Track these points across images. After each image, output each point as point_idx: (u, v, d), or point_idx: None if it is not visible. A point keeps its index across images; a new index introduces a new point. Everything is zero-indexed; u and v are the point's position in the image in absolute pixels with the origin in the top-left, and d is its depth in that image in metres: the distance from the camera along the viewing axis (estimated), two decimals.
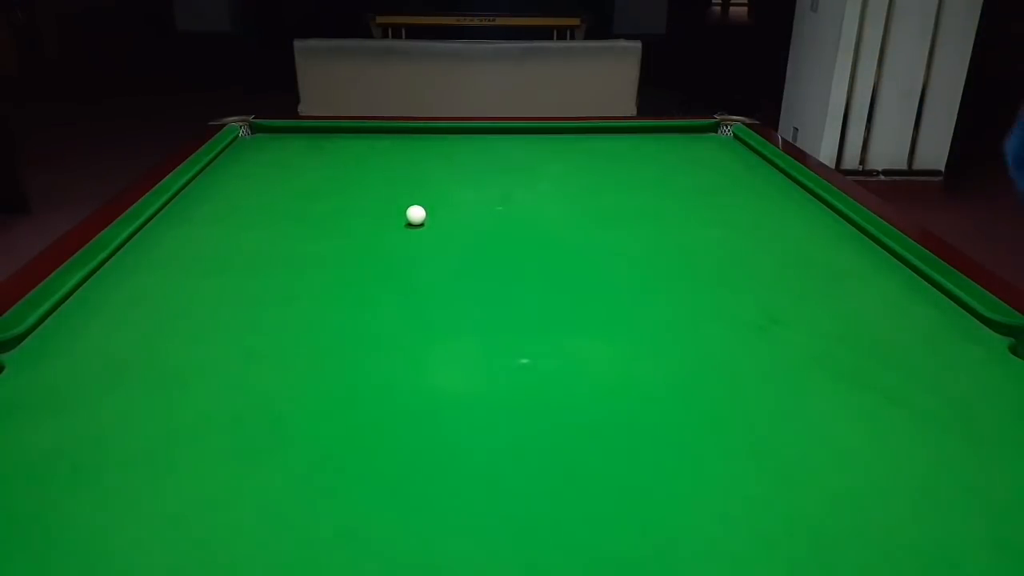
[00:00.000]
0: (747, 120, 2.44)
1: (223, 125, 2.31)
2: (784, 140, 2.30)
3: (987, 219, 4.14)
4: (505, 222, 1.73)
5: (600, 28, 7.23)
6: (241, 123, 2.34)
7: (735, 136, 2.38)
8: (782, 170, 2.04)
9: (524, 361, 1.18)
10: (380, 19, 5.90)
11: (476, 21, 6.13)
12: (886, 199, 1.78)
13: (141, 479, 0.91)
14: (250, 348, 1.21)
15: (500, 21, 6.10)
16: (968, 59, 4.19)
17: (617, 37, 4.30)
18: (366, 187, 1.95)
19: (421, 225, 1.67)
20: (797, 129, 4.59)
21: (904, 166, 4.43)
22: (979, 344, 1.21)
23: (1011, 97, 5.26)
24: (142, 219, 1.65)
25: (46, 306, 1.26)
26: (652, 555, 0.80)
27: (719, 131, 2.42)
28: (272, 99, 4.16)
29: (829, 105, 4.27)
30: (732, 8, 13.57)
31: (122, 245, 1.54)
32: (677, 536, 0.83)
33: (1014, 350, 1.18)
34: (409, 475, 0.92)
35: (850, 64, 4.18)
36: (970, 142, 4.67)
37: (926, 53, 4.18)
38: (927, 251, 1.47)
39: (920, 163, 4.43)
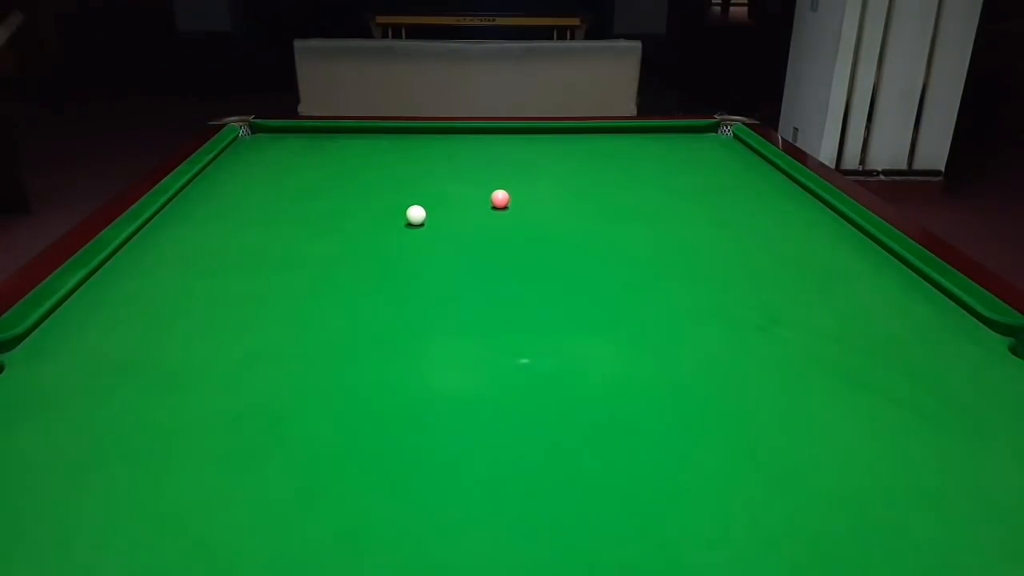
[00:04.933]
0: (747, 120, 2.44)
1: (223, 125, 2.31)
2: (784, 140, 2.30)
3: (987, 219, 4.14)
4: (505, 222, 1.73)
5: (600, 28, 7.24)
6: (241, 123, 2.34)
7: (735, 136, 2.38)
8: (782, 170, 2.04)
9: (524, 361, 1.18)
10: (380, 19, 5.91)
11: (476, 21, 6.13)
12: (886, 199, 1.78)
13: (141, 479, 0.91)
14: (250, 348, 1.21)
15: (500, 21, 6.11)
16: (968, 59, 4.19)
17: (617, 37, 4.30)
18: (366, 187, 1.95)
19: (421, 225, 1.67)
20: (797, 129, 4.59)
21: (904, 166, 4.43)
22: (979, 344, 1.21)
23: (1011, 97, 5.27)
24: (142, 219, 1.65)
25: (46, 306, 1.26)
26: (652, 556, 0.80)
27: (719, 131, 2.42)
28: (272, 99, 4.17)
29: (829, 105, 4.26)
30: (732, 8, 13.56)
31: (122, 245, 1.54)
32: (677, 537, 0.83)
33: (1014, 350, 1.18)
34: (409, 476, 0.92)
35: (850, 64, 4.18)
36: (970, 142, 4.67)
37: (926, 53, 4.18)
38: (927, 251, 1.47)
39: (920, 163, 4.43)
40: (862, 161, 4.42)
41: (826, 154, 4.31)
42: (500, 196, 1.77)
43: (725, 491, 0.90)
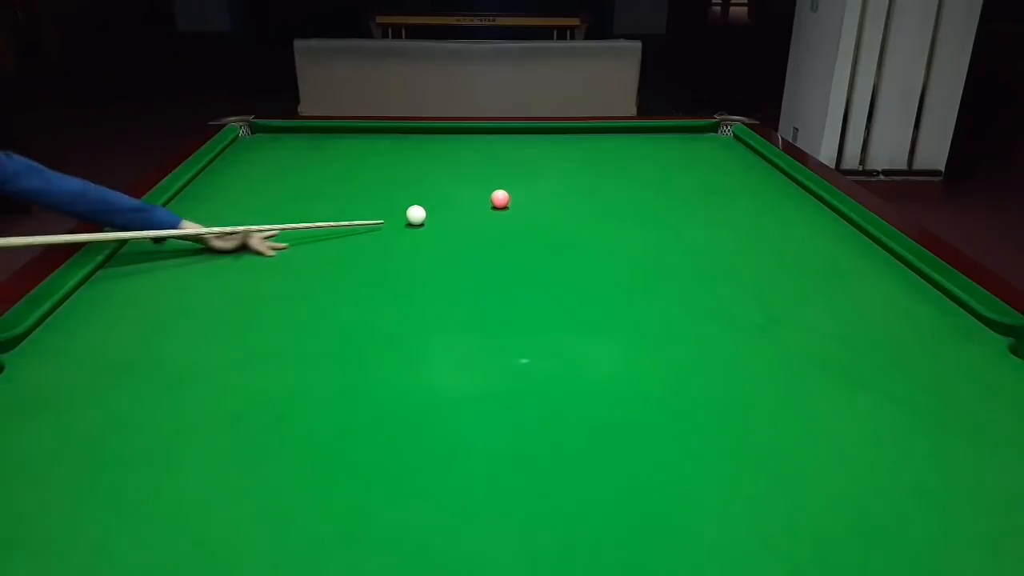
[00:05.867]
0: (747, 120, 2.44)
1: (223, 125, 2.31)
2: (784, 140, 2.30)
3: (987, 219, 4.14)
4: (505, 222, 1.73)
5: (600, 28, 7.24)
6: (241, 123, 2.34)
7: (735, 136, 2.38)
8: (782, 170, 2.04)
9: (524, 361, 1.18)
10: (380, 19, 5.91)
11: (476, 21, 6.14)
12: (886, 199, 1.78)
13: (141, 479, 0.91)
14: (250, 348, 1.21)
15: (500, 21, 6.12)
16: (968, 59, 4.19)
17: (617, 37, 4.30)
18: (366, 187, 1.95)
19: (421, 225, 1.67)
20: (797, 129, 4.59)
21: (904, 166, 4.43)
22: (979, 344, 1.21)
23: (1011, 97, 5.27)
24: None
25: (46, 306, 1.26)
26: (653, 555, 0.80)
27: (719, 131, 2.43)
28: (272, 99, 4.17)
29: (829, 105, 4.26)
30: (732, 8, 13.57)
31: (122, 245, 1.54)
32: (677, 536, 0.83)
33: (1014, 350, 1.18)
34: (409, 475, 0.92)
35: (850, 64, 4.17)
36: (970, 142, 4.67)
37: (926, 53, 4.17)
38: (927, 251, 1.47)
39: (920, 163, 4.42)
40: (862, 161, 4.41)
41: (826, 154, 4.31)
42: (500, 196, 1.78)
43: (725, 490, 0.90)
